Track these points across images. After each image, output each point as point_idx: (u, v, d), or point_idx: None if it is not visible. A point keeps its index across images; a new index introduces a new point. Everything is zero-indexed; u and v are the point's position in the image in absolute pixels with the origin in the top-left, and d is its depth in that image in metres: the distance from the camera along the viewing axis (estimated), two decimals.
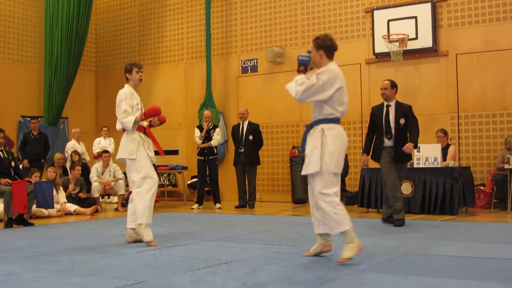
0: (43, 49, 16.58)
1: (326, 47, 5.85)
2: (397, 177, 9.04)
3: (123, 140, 7.49)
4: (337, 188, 5.60)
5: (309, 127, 5.84)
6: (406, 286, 4.54)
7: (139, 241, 7.14)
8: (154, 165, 7.47)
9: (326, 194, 5.51)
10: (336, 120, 5.72)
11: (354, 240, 5.46)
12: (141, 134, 7.50)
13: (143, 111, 7.53)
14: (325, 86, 5.65)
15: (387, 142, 9.03)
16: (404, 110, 9.17)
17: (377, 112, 9.31)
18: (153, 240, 7.01)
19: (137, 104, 7.66)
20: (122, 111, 7.48)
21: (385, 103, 9.23)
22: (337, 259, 5.45)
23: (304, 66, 5.88)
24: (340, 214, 5.45)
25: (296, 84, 5.72)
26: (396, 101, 9.26)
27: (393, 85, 9.26)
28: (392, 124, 9.04)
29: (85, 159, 14.74)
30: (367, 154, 9.44)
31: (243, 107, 13.52)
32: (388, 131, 9.05)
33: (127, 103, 7.52)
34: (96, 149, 15.04)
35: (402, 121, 9.05)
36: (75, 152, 14.11)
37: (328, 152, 5.58)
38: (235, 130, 13.10)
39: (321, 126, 5.69)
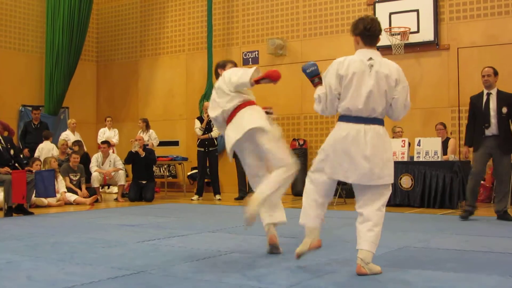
0: (45, 39, 16.57)
1: (361, 32, 4.87)
2: (484, 170, 8.96)
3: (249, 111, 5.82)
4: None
5: None
6: (405, 279, 4.54)
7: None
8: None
9: None
10: (342, 118, 4.84)
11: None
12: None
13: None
14: (332, 86, 4.81)
15: (488, 132, 8.67)
16: (507, 99, 8.73)
17: (476, 101, 9.00)
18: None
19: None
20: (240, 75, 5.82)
21: (486, 91, 8.87)
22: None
23: (317, 77, 4.99)
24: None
25: (316, 103, 4.96)
26: (498, 89, 8.87)
27: (496, 72, 8.89)
28: (492, 113, 8.67)
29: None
30: (469, 146, 9.02)
31: None
32: (487, 120, 8.66)
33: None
34: (102, 139, 15.01)
35: (504, 109, 8.62)
36: (76, 141, 14.08)
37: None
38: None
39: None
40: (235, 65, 6.41)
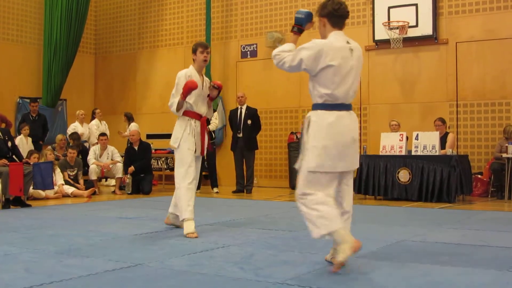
0: (43, 30, 16.53)
1: (329, 13, 4.74)
2: None
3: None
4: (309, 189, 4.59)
5: None
6: (403, 272, 4.55)
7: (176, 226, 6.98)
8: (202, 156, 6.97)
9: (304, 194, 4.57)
10: (324, 106, 4.64)
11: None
12: (193, 121, 6.74)
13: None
14: (302, 65, 4.63)
15: None
16: None
17: None
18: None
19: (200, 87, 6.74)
20: (171, 95, 6.71)
21: None
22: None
23: (298, 27, 4.91)
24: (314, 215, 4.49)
25: (274, 54, 4.79)
26: None
27: None
28: None
29: (86, 141, 14.66)
30: None
31: (241, 91, 13.50)
32: None
33: (178, 87, 6.63)
34: (97, 133, 14.97)
35: None
36: (72, 134, 14.04)
37: (308, 147, 4.65)
38: (233, 114, 13.08)
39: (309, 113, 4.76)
40: (205, 48, 6.98)
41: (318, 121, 4.61)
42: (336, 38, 4.70)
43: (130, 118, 14.97)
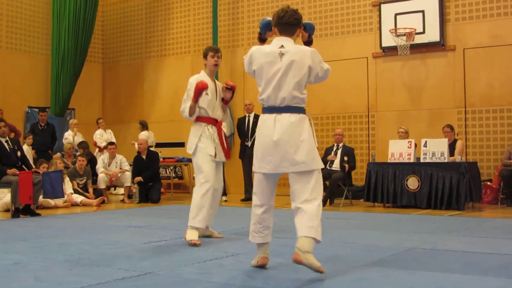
0: (50, 40, 16.62)
1: (276, 22, 4.97)
2: None
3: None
4: (253, 189, 5.30)
5: None
6: (413, 280, 4.53)
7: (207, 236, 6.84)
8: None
9: None
10: (263, 109, 4.89)
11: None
12: (209, 126, 6.71)
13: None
14: (246, 69, 5.03)
15: None
16: None
17: None
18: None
19: (206, 93, 6.60)
20: (183, 100, 6.67)
21: None
22: None
23: (259, 35, 5.25)
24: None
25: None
26: None
27: None
28: None
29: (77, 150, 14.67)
30: None
31: (248, 99, 13.52)
32: None
33: (189, 92, 6.57)
34: (101, 142, 15.02)
35: None
36: (81, 143, 14.08)
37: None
38: (241, 122, 13.08)
39: None
40: (216, 52, 6.77)
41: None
42: (272, 43, 4.88)
43: (144, 126, 15.04)
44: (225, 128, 13.24)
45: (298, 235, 4.56)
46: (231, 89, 6.79)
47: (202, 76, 6.71)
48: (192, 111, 6.50)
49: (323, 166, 4.93)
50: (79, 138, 14.80)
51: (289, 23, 4.87)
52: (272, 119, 4.72)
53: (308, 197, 4.68)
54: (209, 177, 6.62)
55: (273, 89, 4.72)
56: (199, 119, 6.63)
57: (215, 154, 6.65)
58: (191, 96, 6.46)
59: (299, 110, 4.75)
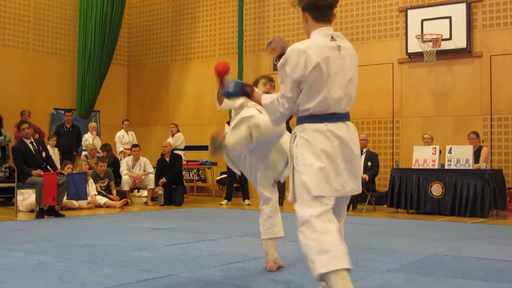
0: (77, 43, 16.74)
1: (308, 5, 3.80)
2: None
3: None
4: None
5: None
6: (436, 287, 4.51)
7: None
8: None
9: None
10: (312, 118, 3.73)
11: None
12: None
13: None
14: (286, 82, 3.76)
15: None
16: None
17: None
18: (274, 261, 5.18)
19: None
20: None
21: None
22: None
23: (246, 89, 4.08)
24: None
25: (274, 114, 3.92)
26: None
27: None
28: None
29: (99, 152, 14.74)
30: None
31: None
32: None
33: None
34: (120, 146, 15.11)
35: None
36: (104, 145, 14.18)
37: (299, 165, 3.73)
38: None
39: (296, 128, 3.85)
40: (270, 81, 5.63)
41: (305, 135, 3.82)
42: (316, 36, 3.80)
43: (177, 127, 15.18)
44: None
45: None
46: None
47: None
48: (218, 95, 5.23)
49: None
50: (97, 141, 14.90)
51: (329, 6, 3.80)
52: (344, 128, 3.73)
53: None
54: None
55: (342, 90, 3.73)
56: None
57: None
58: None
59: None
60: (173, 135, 14.88)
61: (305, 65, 3.65)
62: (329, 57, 3.68)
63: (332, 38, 3.75)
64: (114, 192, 12.65)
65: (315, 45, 3.71)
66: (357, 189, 3.80)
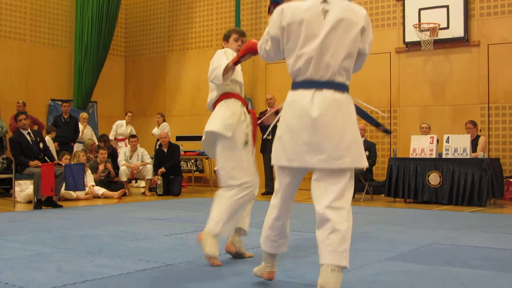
0: (74, 33, 16.70)
1: None
2: None
3: (217, 109, 5.12)
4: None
5: None
6: (433, 275, 4.52)
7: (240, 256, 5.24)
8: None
9: None
10: (292, 86, 3.66)
11: None
12: (244, 108, 5.24)
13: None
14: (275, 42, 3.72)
15: None
16: None
17: None
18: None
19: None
20: (211, 68, 5.00)
21: None
22: None
23: (274, 6, 3.87)
24: None
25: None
26: None
27: None
28: None
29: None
30: None
31: (270, 94, 13.51)
32: None
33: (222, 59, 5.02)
34: (113, 134, 15.09)
35: None
36: (102, 136, 14.19)
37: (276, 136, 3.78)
38: (262, 116, 13.06)
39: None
40: (241, 35, 5.60)
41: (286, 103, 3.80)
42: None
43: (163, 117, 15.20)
44: None
45: (322, 262, 3.54)
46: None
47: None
48: (228, 69, 4.83)
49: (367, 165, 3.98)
50: (88, 131, 14.89)
51: None
52: (309, 95, 3.53)
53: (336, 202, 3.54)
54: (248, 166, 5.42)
55: (316, 53, 3.51)
56: (234, 95, 5.13)
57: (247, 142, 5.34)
58: (223, 61, 4.88)
59: (344, 88, 3.59)
60: (159, 125, 14.91)
61: (279, 24, 3.63)
62: (304, 19, 3.54)
63: (324, 2, 3.57)
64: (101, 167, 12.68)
65: (295, 6, 3.61)
66: (331, 161, 3.48)
